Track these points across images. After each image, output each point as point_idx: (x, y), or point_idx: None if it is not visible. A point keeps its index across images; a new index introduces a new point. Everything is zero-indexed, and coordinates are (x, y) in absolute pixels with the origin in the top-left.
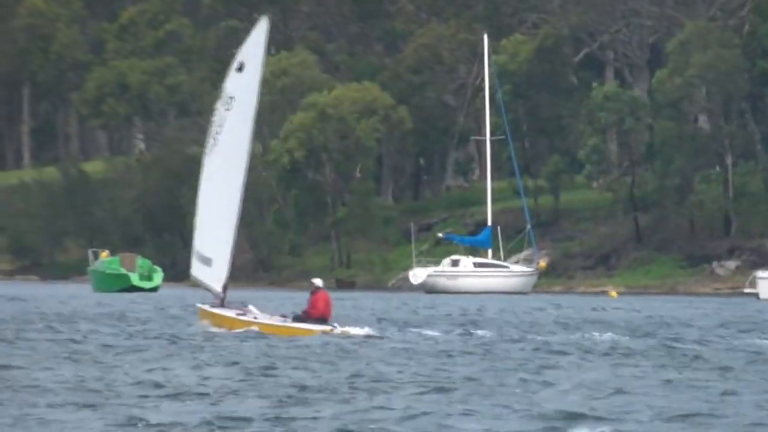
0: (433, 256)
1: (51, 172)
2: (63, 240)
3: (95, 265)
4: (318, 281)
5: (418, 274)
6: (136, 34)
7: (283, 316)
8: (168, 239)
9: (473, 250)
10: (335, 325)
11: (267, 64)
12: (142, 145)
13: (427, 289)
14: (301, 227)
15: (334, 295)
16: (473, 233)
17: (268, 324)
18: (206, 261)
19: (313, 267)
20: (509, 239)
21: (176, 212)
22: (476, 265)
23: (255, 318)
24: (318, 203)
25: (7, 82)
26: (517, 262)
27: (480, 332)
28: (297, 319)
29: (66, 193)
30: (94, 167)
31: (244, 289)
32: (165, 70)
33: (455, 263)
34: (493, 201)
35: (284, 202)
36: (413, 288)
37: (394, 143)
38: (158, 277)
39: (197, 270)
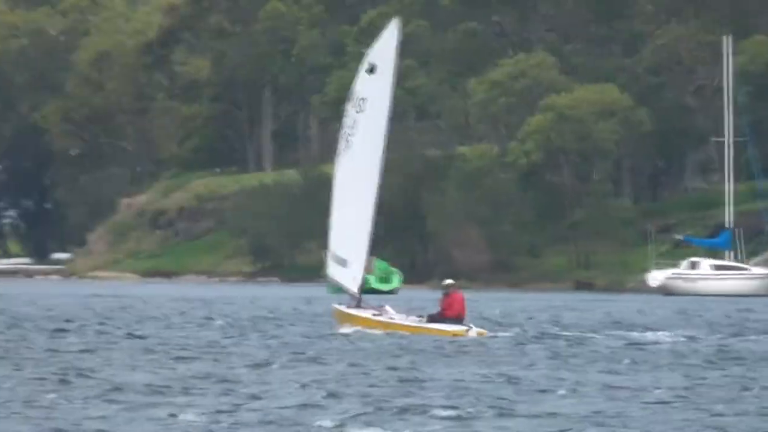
0: (672, 258)
1: (291, 175)
2: (302, 242)
3: None
4: (450, 281)
5: (656, 277)
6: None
7: (419, 316)
8: (407, 241)
9: (712, 252)
10: (471, 326)
11: (501, 65)
12: None
13: (666, 291)
14: (539, 229)
15: (570, 297)
16: (712, 235)
17: (405, 324)
18: (342, 262)
19: (552, 268)
20: (748, 242)
21: (416, 214)
22: (715, 267)
23: (391, 318)
24: (556, 205)
25: (248, 86)
26: (757, 265)
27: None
28: (432, 319)
29: (306, 195)
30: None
31: (481, 291)
32: (404, 73)
33: (694, 265)
34: (734, 203)
35: (522, 204)
36: (651, 290)
37: (633, 145)
38: (396, 279)
39: (333, 270)
